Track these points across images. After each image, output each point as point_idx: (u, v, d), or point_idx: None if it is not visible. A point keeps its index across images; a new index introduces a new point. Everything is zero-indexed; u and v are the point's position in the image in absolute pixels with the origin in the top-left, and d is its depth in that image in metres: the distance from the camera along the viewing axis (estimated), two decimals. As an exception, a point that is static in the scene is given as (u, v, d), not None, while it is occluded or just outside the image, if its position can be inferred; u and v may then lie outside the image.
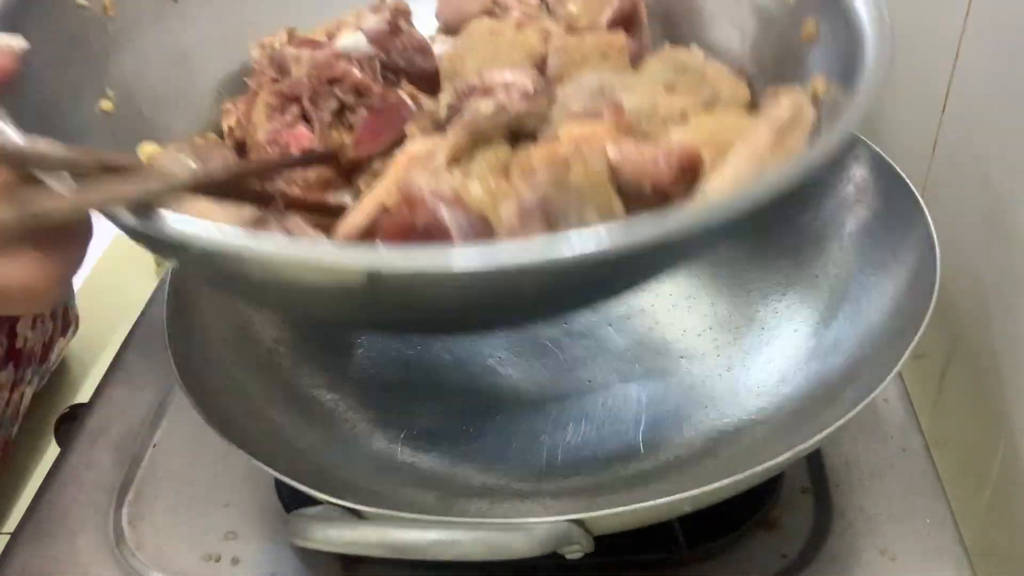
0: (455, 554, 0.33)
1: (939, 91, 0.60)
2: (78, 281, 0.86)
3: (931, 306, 0.41)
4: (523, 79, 0.36)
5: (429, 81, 0.42)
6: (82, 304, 0.81)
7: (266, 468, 0.38)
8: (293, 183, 0.38)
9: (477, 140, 0.35)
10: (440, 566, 0.37)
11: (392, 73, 0.41)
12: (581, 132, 0.34)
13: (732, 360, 0.51)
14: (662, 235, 0.27)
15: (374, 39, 0.41)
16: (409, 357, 0.53)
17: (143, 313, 0.60)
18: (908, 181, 0.48)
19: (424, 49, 0.42)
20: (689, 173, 0.33)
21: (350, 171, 0.39)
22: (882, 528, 0.44)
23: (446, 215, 0.31)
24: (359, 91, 0.39)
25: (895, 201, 0.48)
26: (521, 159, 0.34)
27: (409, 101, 0.39)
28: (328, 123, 0.39)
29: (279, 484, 0.47)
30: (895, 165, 0.49)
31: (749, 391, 0.49)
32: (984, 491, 0.57)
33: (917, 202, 0.46)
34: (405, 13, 0.43)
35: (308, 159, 0.38)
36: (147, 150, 0.39)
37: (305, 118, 0.39)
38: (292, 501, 0.46)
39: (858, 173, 0.51)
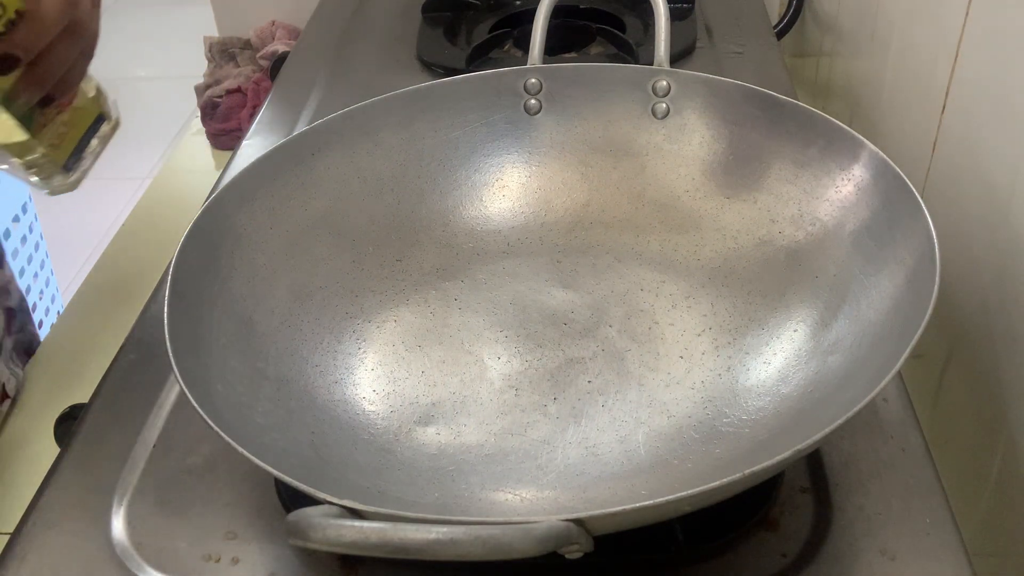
0: (455, 554, 0.33)
1: (939, 91, 0.60)
2: (79, 280, 0.86)
3: (931, 306, 0.41)
4: None
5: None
6: (82, 303, 0.81)
7: (266, 468, 0.38)
8: None
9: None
10: (440, 566, 0.37)
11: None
12: None
13: (732, 360, 0.51)
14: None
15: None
16: (410, 359, 0.53)
17: (143, 313, 0.60)
18: (908, 181, 0.48)
19: None
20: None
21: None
22: (882, 528, 0.44)
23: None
24: None
25: (895, 201, 0.48)
26: None
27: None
28: None
29: (279, 484, 0.47)
30: (895, 165, 0.49)
31: (748, 391, 0.49)
32: (984, 491, 0.57)
33: (917, 202, 0.46)
34: None
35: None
36: None
37: None
38: (292, 501, 0.46)
39: (858, 173, 0.51)
